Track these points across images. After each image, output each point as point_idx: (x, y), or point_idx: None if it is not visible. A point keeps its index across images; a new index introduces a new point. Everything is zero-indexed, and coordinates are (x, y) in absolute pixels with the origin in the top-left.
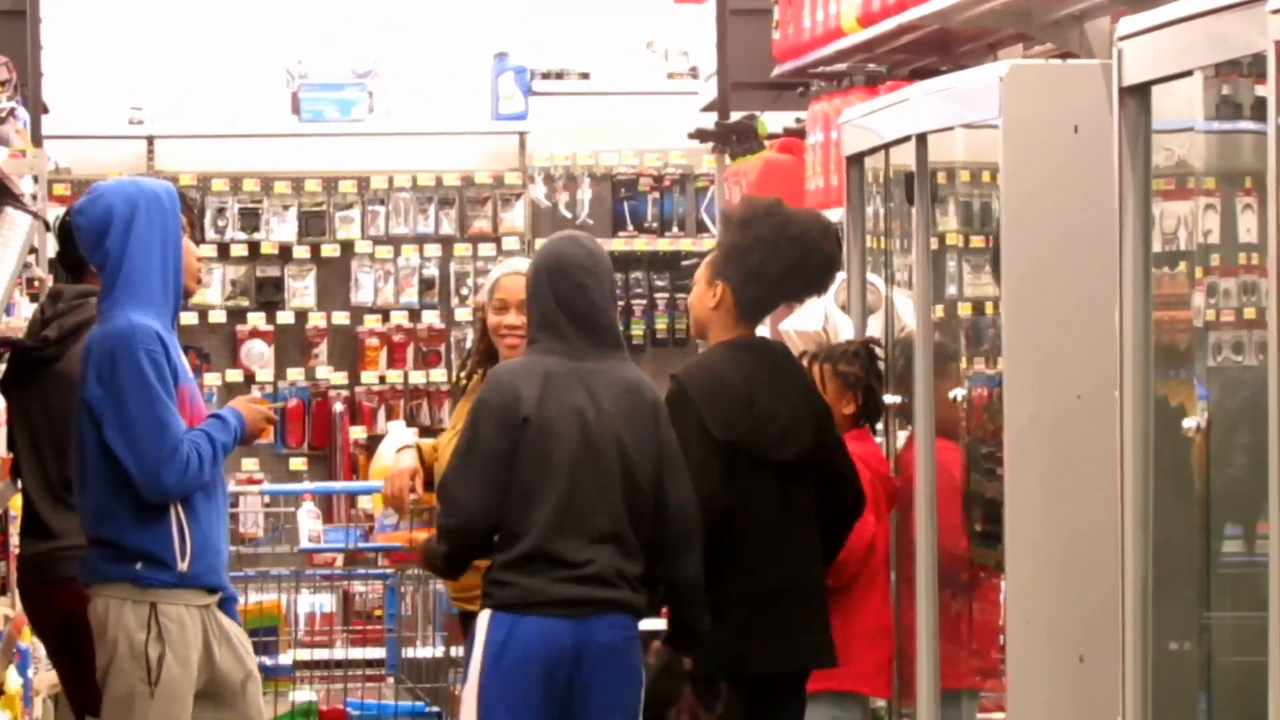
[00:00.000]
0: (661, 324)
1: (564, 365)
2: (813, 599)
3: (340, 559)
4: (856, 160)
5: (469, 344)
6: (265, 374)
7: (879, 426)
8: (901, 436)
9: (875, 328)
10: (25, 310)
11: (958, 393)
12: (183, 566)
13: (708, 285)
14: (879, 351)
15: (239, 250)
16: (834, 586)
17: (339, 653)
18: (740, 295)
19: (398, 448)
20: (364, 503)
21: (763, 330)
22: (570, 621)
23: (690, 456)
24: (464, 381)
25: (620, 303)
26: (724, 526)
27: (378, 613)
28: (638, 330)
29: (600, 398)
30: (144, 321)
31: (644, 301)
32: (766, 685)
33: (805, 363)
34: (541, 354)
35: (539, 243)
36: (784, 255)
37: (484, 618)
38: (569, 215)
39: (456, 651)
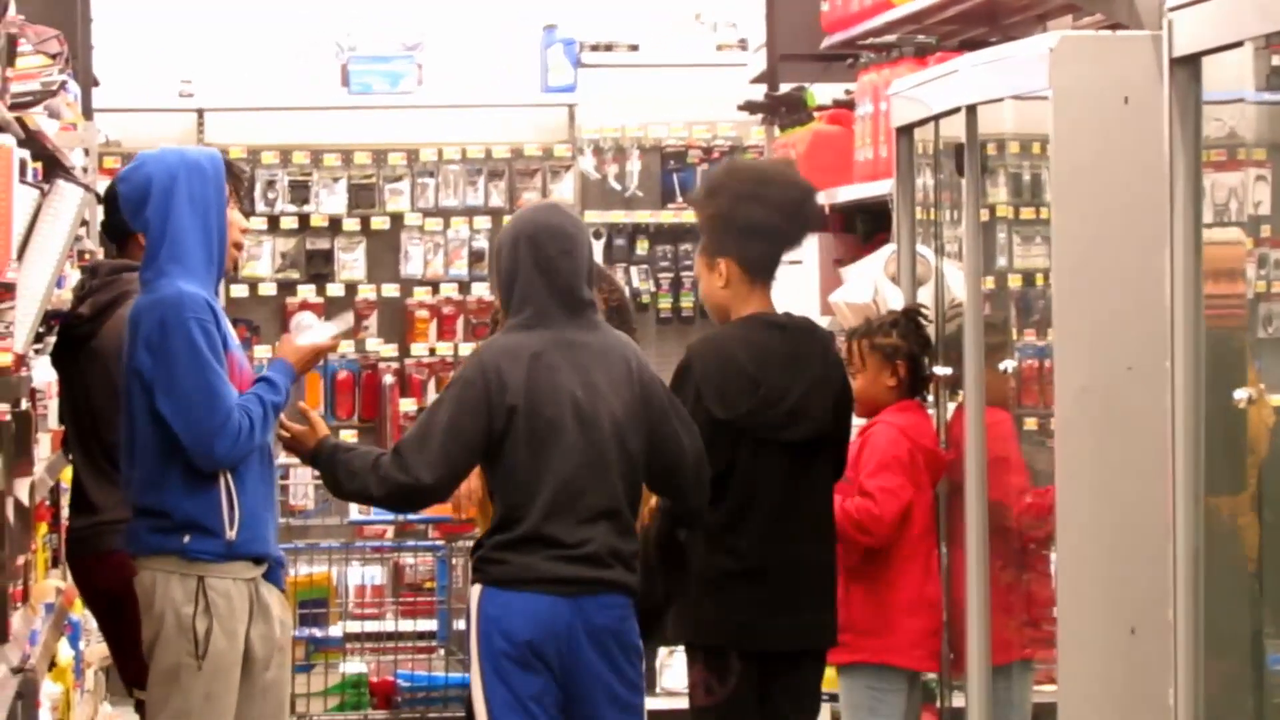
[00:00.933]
0: None
1: (549, 341)
2: (821, 577)
3: (390, 531)
4: (906, 132)
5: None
6: None
7: (929, 397)
8: (951, 408)
9: (925, 299)
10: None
11: (1007, 364)
12: (230, 535)
13: (710, 270)
14: (923, 317)
15: (289, 223)
16: (867, 557)
17: (388, 625)
18: (744, 260)
19: None
20: None
21: (813, 303)
22: (563, 600)
23: None
24: None
25: (670, 275)
26: (721, 499)
27: (428, 585)
28: (687, 303)
29: (589, 372)
30: (192, 290)
31: (694, 275)
32: (776, 659)
33: (845, 340)
34: (524, 331)
35: (589, 215)
36: (768, 199)
37: (476, 592)
38: (618, 187)
39: None
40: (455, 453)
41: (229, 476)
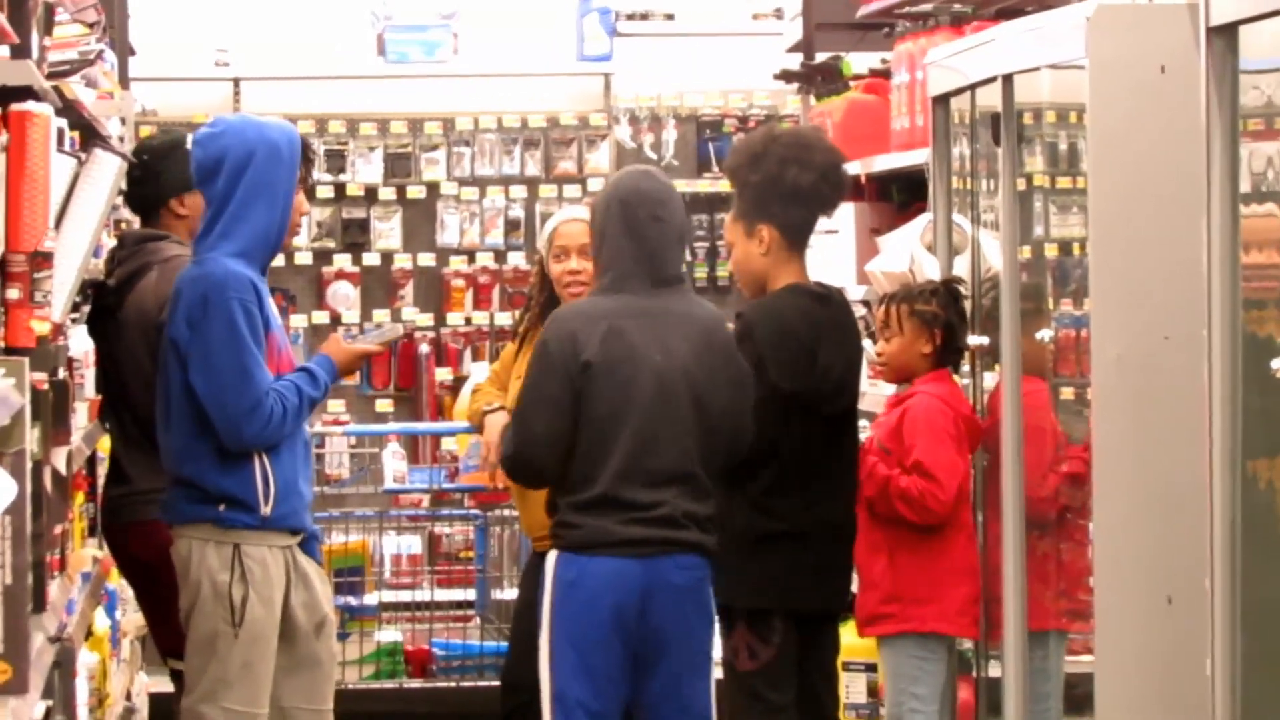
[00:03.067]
0: None
1: (629, 305)
2: (849, 542)
3: (426, 500)
4: (942, 101)
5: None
6: (351, 315)
7: (964, 368)
8: (988, 378)
9: (961, 269)
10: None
11: (1044, 334)
12: (265, 510)
13: (748, 237)
14: (962, 290)
15: (325, 192)
16: (915, 527)
17: (424, 594)
18: (785, 226)
19: (473, 391)
20: (449, 444)
21: (849, 272)
22: (639, 561)
23: None
24: (521, 330)
25: (705, 244)
26: (767, 463)
27: (463, 554)
28: (723, 272)
29: (668, 337)
30: (238, 269)
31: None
32: (810, 622)
33: (882, 304)
34: (606, 294)
35: None
36: (811, 164)
37: (552, 558)
38: (654, 156)
39: None
40: (545, 417)
41: (264, 452)
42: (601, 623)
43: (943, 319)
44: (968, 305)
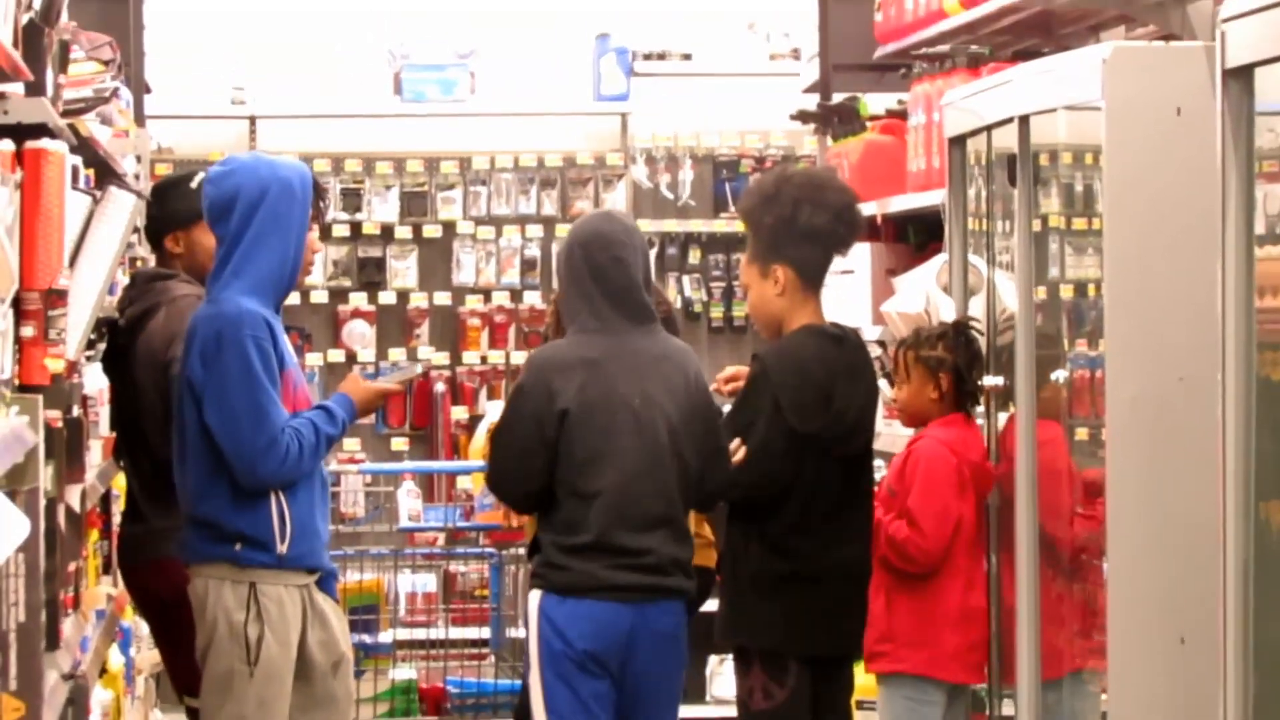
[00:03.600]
0: None
1: (604, 347)
2: (864, 583)
3: (441, 538)
4: (959, 142)
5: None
6: (367, 354)
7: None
8: (1003, 419)
9: (976, 310)
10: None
11: (1059, 374)
12: (282, 549)
13: (764, 279)
14: (976, 331)
15: (341, 230)
16: (916, 573)
17: (438, 632)
18: (802, 266)
19: (489, 429)
20: (464, 482)
21: (865, 312)
22: (626, 606)
23: (755, 434)
24: None
25: (722, 284)
26: (783, 504)
27: (478, 592)
28: (740, 312)
29: (644, 379)
30: (252, 307)
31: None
32: (824, 664)
33: (893, 350)
34: (580, 335)
35: (641, 224)
36: (825, 204)
37: (536, 598)
38: (670, 196)
39: None
40: (517, 457)
41: (281, 491)
42: (585, 664)
43: (949, 363)
44: (983, 343)
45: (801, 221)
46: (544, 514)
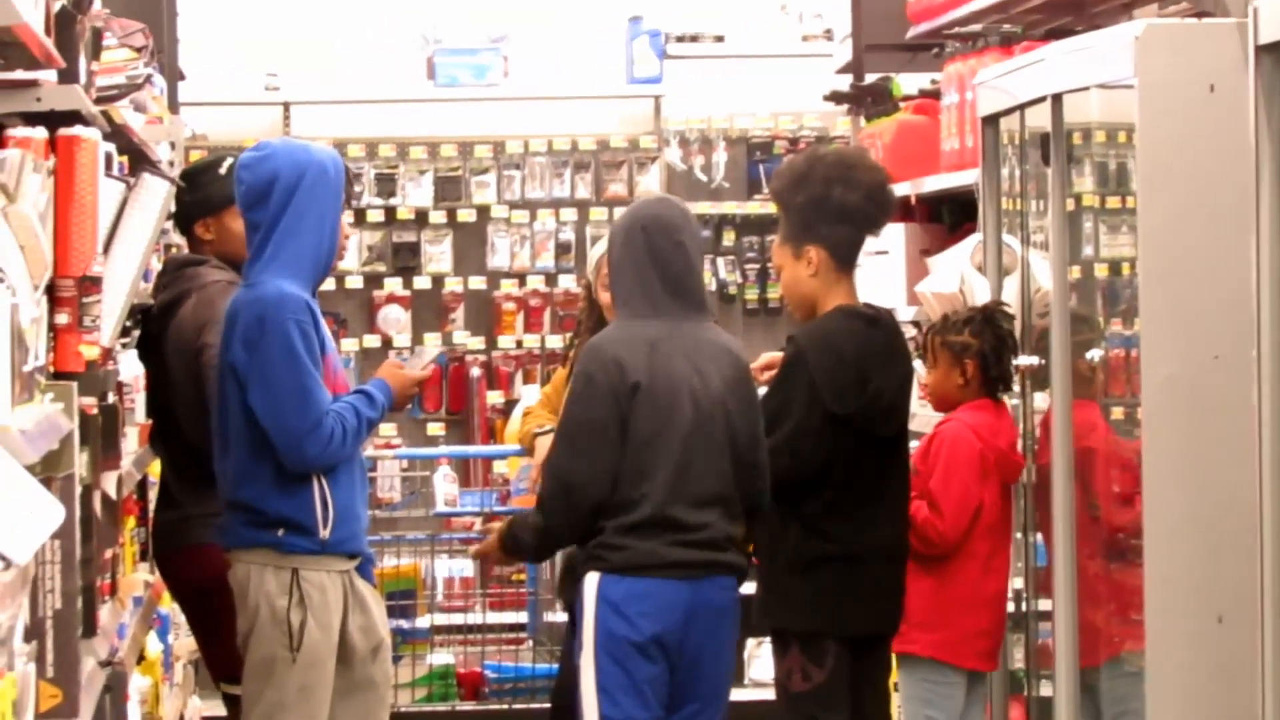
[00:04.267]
0: None
1: (663, 331)
2: (903, 563)
3: (478, 524)
4: (992, 121)
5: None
6: (402, 339)
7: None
8: (1039, 400)
9: (1011, 289)
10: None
11: (1094, 354)
12: (324, 534)
13: (797, 259)
14: (1005, 314)
15: (375, 215)
16: (932, 554)
17: (476, 617)
18: (834, 246)
19: (524, 413)
20: (500, 467)
21: (900, 293)
22: (685, 583)
23: (792, 416)
24: (572, 354)
25: (756, 266)
26: (820, 486)
27: (515, 577)
28: (774, 294)
29: (703, 364)
30: (293, 291)
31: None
32: (862, 644)
33: (922, 336)
34: (636, 320)
35: None
36: (856, 184)
37: (593, 580)
38: (704, 178)
39: None
40: (597, 448)
41: (322, 476)
42: (646, 645)
43: (975, 349)
44: (1018, 326)
45: (833, 201)
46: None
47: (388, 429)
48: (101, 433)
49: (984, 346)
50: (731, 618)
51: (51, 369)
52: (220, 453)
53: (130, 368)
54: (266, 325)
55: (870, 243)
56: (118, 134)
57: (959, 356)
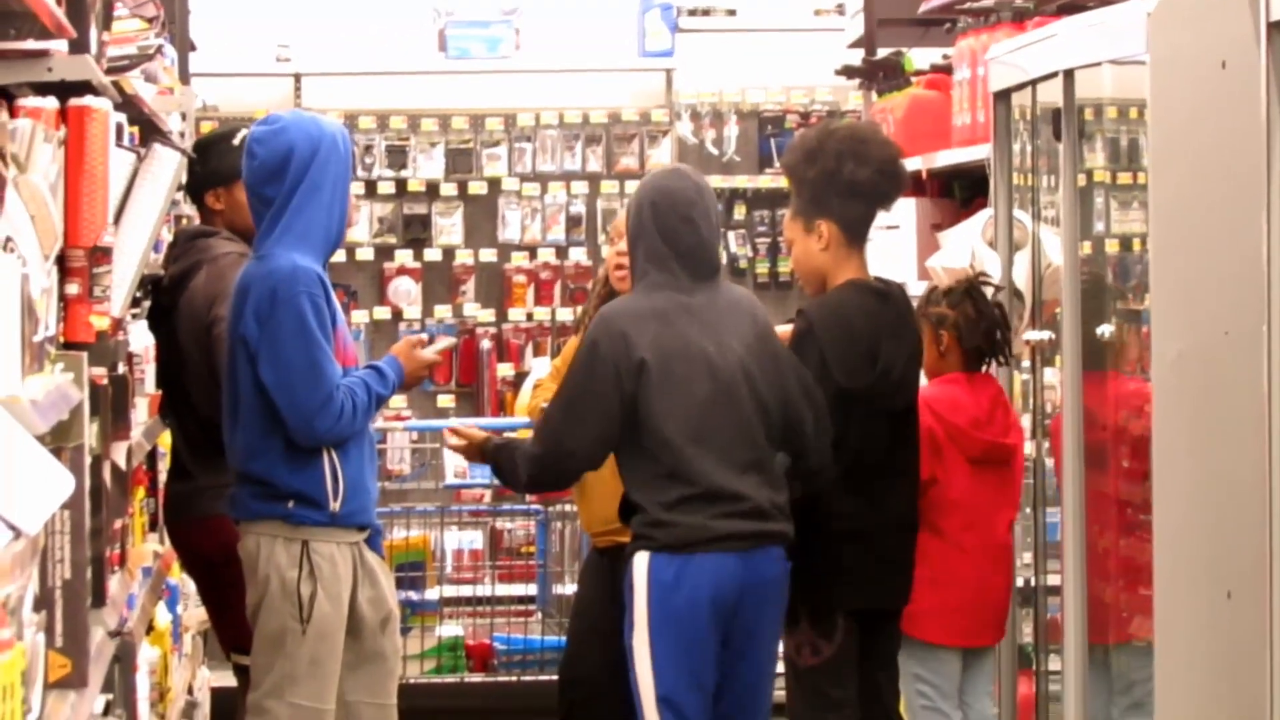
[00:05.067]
0: None
1: (674, 302)
2: (912, 537)
3: (488, 495)
4: (1003, 97)
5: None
6: (413, 311)
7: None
8: (1049, 374)
9: (1022, 264)
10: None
11: (1105, 329)
12: (334, 507)
13: (808, 233)
14: (989, 287)
15: (386, 187)
16: None
17: (485, 589)
18: (845, 221)
19: (534, 386)
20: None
21: (911, 268)
22: (737, 556)
23: None
24: (584, 323)
25: (767, 240)
26: (833, 462)
27: (524, 549)
28: (785, 268)
29: (720, 332)
30: (305, 264)
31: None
32: (872, 618)
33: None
34: (650, 291)
35: None
36: (869, 158)
37: (643, 560)
38: (715, 152)
39: None
40: (593, 417)
41: (332, 449)
42: (702, 622)
43: (951, 320)
44: (1028, 302)
45: (845, 176)
46: (635, 475)
47: (398, 401)
48: (111, 403)
49: (959, 318)
50: (781, 589)
51: (62, 339)
52: (230, 425)
53: (140, 338)
54: (279, 299)
55: (881, 217)
56: (129, 105)
57: (936, 328)
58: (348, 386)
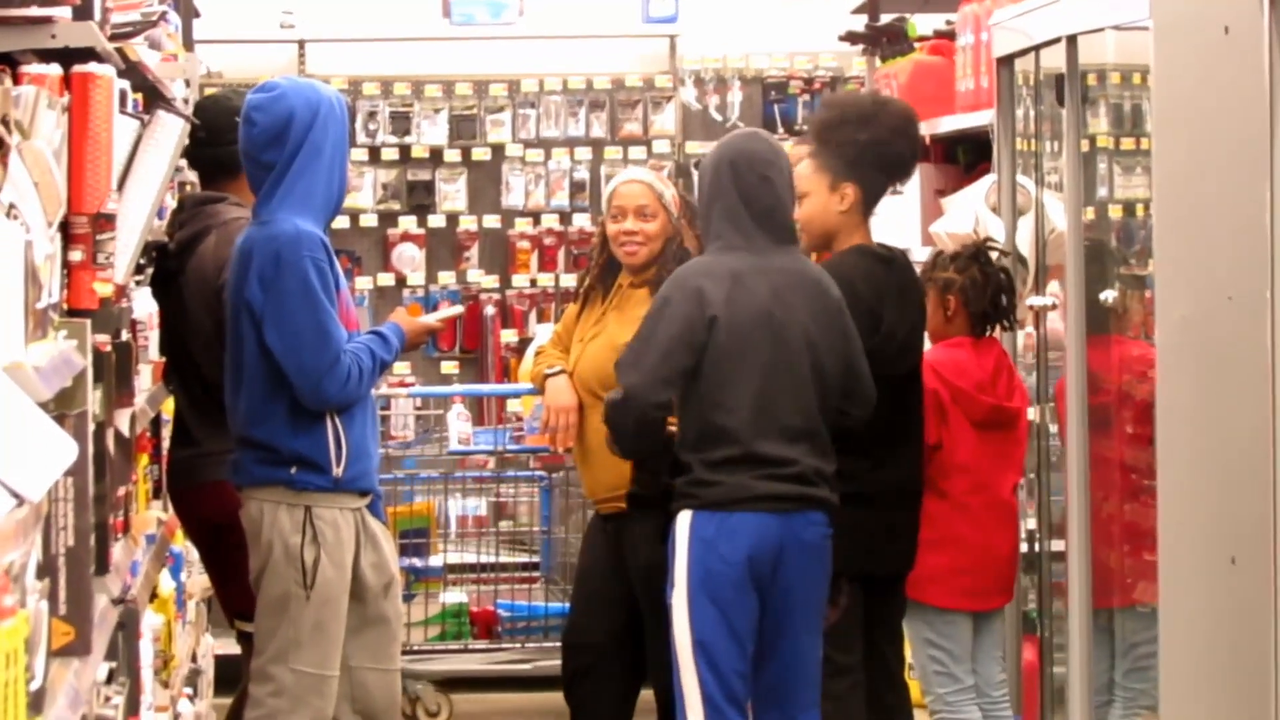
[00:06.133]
0: None
1: (748, 263)
2: (917, 503)
3: (491, 462)
4: (1007, 62)
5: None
6: (417, 277)
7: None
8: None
9: (1025, 230)
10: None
11: (1108, 294)
12: (337, 472)
13: (831, 191)
14: (994, 253)
15: (390, 154)
16: None
17: (489, 556)
18: (869, 190)
19: (537, 353)
20: (514, 405)
21: (915, 233)
22: (777, 517)
23: None
24: (583, 289)
25: None
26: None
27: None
28: None
29: (787, 296)
30: (308, 228)
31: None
32: (876, 583)
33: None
34: (723, 252)
35: (690, 146)
36: (912, 139)
37: (685, 519)
38: (719, 118)
39: None
40: (664, 360)
41: (335, 414)
42: (740, 579)
43: (957, 285)
44: (1032, 267)
45: (893, 151)
46: (687, 432)
47: (402, 367)
48: (115, 370)
49: (965, 282)
50: (822, 555)
51: (65, 306)
52: (232, 390)
53: (144, 305)
54: (283, 263)
55: None
56: (132, 71)
57: (941, 292)
58: (353, 351)
